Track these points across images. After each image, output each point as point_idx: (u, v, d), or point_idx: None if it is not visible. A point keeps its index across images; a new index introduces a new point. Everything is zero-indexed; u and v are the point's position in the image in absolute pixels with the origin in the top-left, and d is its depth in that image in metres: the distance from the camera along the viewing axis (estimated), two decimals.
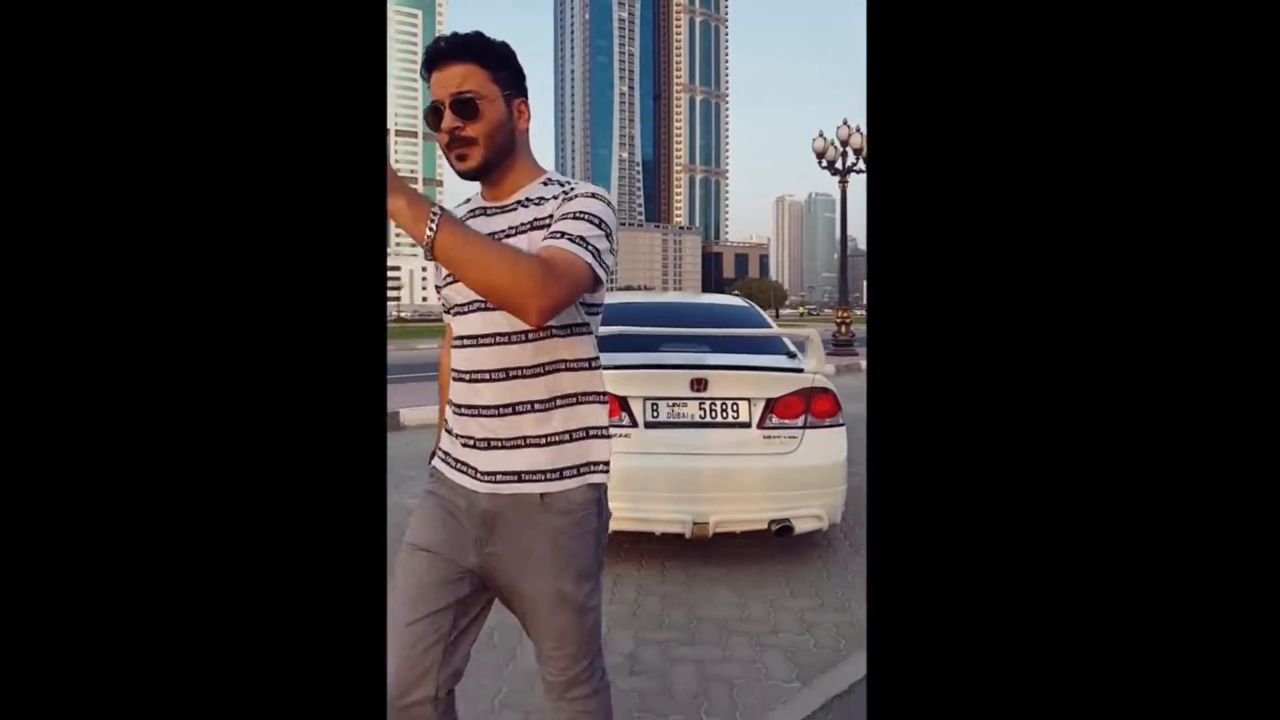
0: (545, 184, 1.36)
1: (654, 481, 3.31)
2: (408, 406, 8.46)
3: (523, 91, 1.36)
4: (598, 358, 1.41)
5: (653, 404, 3.40)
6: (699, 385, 3.37)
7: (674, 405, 3.42)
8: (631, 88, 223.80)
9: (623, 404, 3.34)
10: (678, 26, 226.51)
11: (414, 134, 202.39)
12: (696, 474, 3.35)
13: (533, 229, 1.29)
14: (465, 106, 1.27)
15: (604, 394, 1.41)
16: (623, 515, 2.94)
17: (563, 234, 1.24)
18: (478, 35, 1.32)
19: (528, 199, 1.34)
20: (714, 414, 3.41)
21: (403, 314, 72.26)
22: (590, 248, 1.24)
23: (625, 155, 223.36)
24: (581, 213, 1.27)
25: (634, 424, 3.36)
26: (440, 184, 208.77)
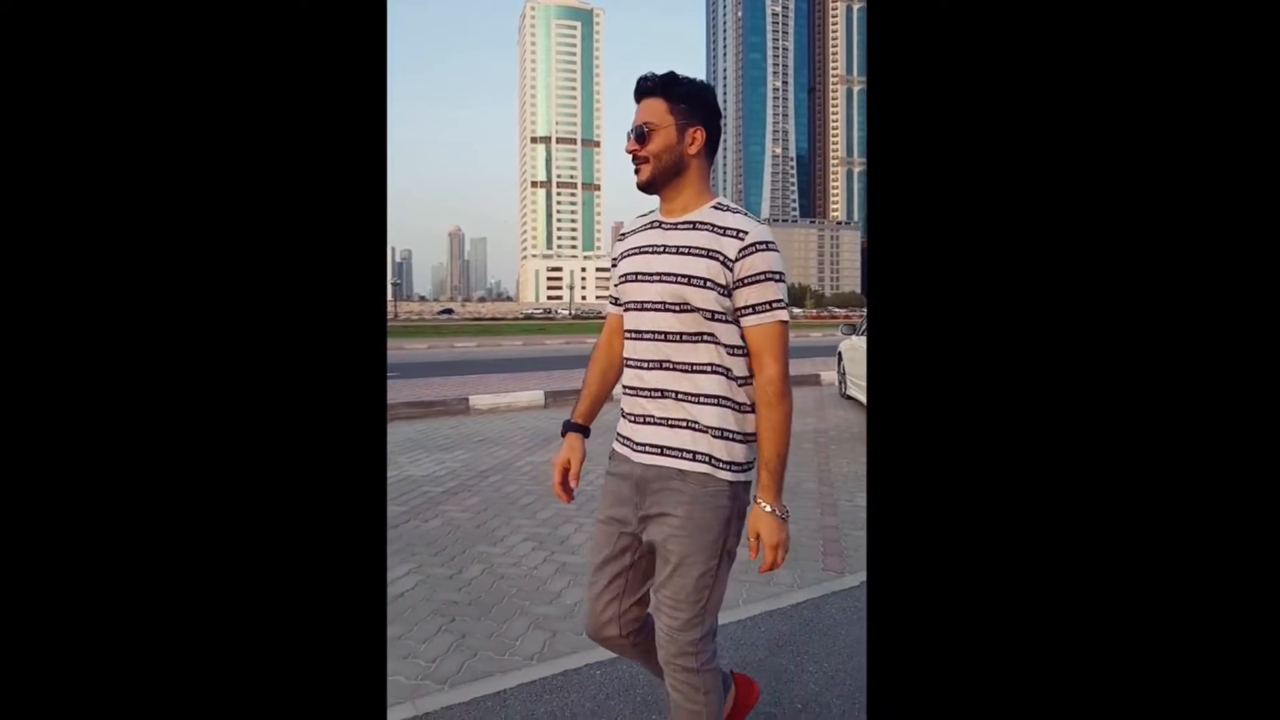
0: (716, 209, 1.57)
1: None
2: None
3: (701, 121, 1.56)
4: (746, 374, 1.57)
5: None
6: None
7: None
8: (785, 82, 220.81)
9: None
10: (834, 15, 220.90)
11: (573, 141, 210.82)
12: None
13: (708, 258, 1.50)
14: (640, 133, 1.54)
15: (743, 404, 1.56)
16: None
17: (756, 307, 1.51)
18: (667, 74, 1.58)
19: (699, 222, 1.56)
20: None
21: (575, 312, 76.70)
22: (782, 304, 1.53)
23: (779, 150, 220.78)
24: (766, 273, 1.50)
25: None
26: (598, 188, 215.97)
